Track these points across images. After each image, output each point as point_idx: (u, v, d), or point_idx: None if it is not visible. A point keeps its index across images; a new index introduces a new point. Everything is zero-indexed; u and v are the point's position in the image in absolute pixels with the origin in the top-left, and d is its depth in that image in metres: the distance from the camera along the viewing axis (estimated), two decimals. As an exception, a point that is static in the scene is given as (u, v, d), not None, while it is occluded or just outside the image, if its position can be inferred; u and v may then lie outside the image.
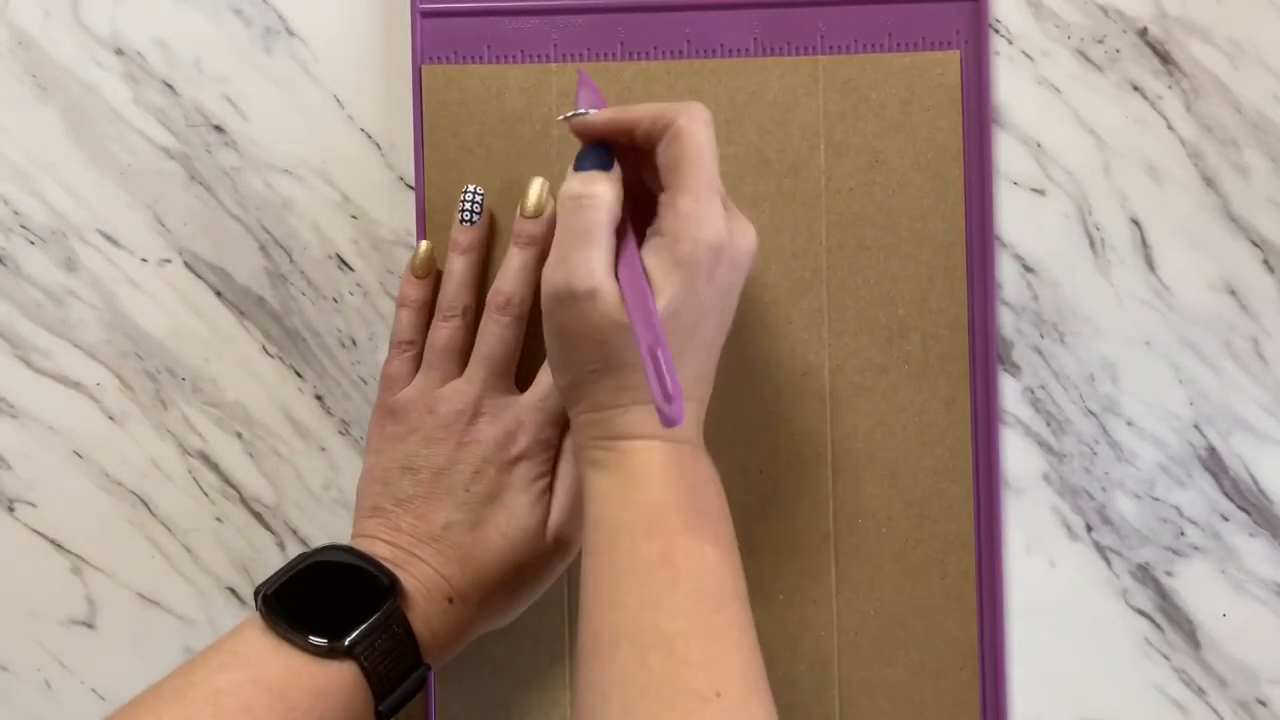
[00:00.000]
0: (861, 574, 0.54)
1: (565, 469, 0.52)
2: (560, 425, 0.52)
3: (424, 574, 0.49)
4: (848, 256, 0.54)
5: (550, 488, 0.52)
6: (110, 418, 0.57)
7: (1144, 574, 0.57)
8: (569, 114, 0.47)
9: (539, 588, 0.52)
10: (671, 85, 0.54)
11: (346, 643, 0.45)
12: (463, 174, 0.54)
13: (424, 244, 0.53)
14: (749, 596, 0.44)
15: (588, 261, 0.44)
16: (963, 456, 0.54)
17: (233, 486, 0.57)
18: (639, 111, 0.46)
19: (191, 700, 0.42)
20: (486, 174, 0.54)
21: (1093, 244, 0.56)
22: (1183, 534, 0.56)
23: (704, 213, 0.44)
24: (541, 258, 0.48)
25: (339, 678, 0.45)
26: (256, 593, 0.46)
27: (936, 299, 0.54)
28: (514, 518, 0.50)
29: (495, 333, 0.51)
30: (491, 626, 0.51)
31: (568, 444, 0.52)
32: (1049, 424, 0.56)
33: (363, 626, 0.45)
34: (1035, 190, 0.56)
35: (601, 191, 0.45)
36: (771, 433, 0.54)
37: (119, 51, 0.57)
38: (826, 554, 0.54)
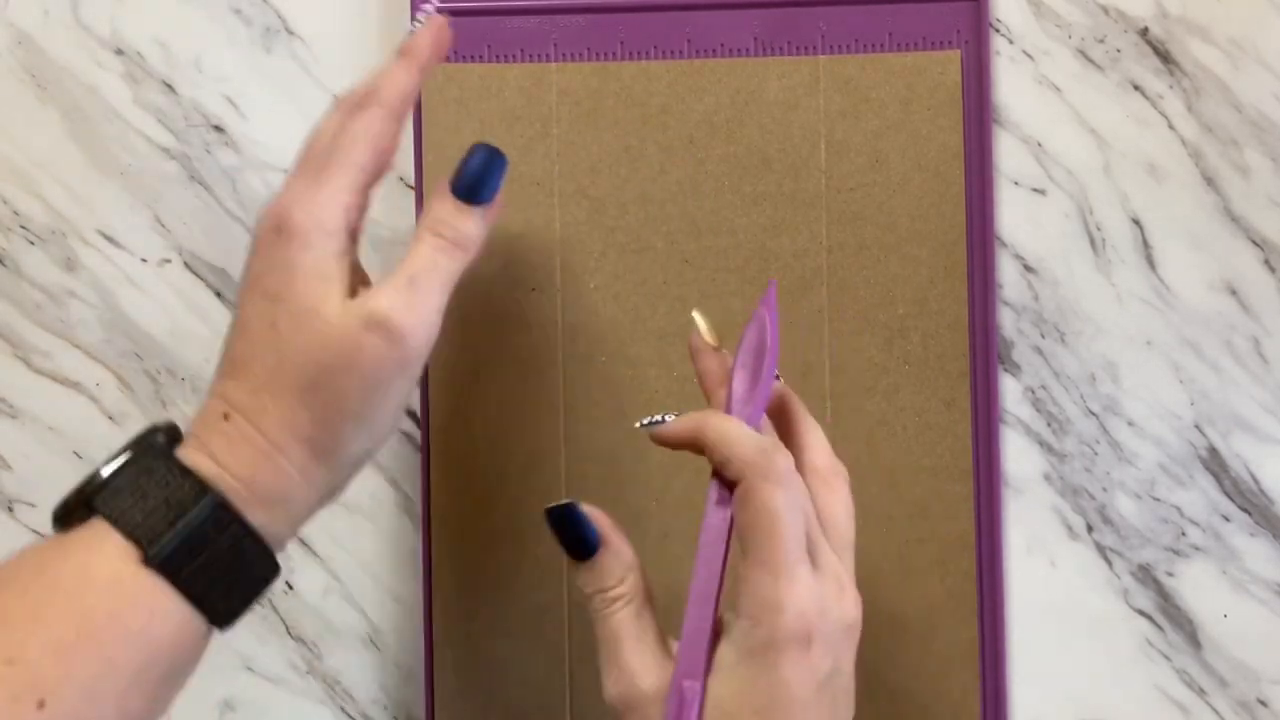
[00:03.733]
0: (861, 574, 0.54)
1: (425, 255, 0.41)
2: (360, 208, 0.42)
3: (205, 403, 0.40)
4: (848, 256, 0.54)
5: (354, 269, 0.42)
6: (110, 418, 0.57)
7: (1145, 574, 0.56)
8: (645, 421, 0.43)
9: (369, 389, 0.40)
10: (672, 84, 0.54)
11: (76, 493, 0.38)
12: None
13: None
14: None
15: (629, 668, 0.40)
16: (963, 456, 0.54)
17: (233, 486, 0.57)
18: (714, 438, 0.40)
19: None
20: None
21: (1093, 244, 0.56)
22: (1184, 534, 0.56)
23: (785, 592, 0.38)
24: None
25: (80, 540, 0.37)
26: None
27: (937, 299, 0.54)
28: (282, 302, 0.40)
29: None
30: (330, 455, 0.40)
31: (425, 232, 0.42)
32: (1049, 424, 0.56)
33: (102, 470, 0.38)
34: (1036, 190, 0.56)
35: (628, 581, 0.41)
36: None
37: (119, 51, 0.57)
38: None
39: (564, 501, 0.41)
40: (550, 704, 0.54)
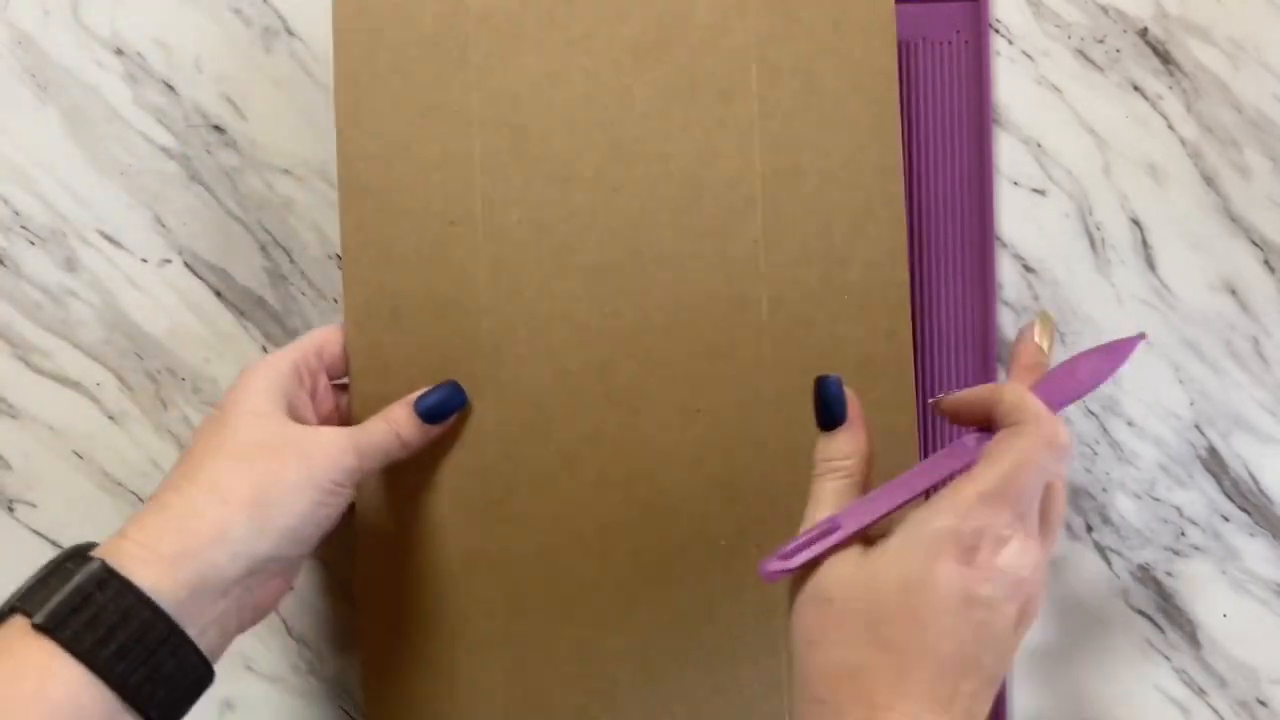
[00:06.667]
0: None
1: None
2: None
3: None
4: (783, 183, 0.52)
5: (326, 414, 0.51)
6: (110, 418, 0.57)
7: (1144, 574, 0.57)
8: (940, 396, 0.46)
9: (286, 481, 0.45)
10: (596, 7, 0.51)
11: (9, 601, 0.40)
12: (378, 102, 0.52)
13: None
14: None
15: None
16: (905, 390, 0.52)
17: (233, 486, 0.57)
18: (1011, 399, 0.42)
19: None
20: (403, 101, 0.52)
21: (1093, 244, 0.56)
22: (1183, 534, 0.56)
23: (973, 504, 0.39)
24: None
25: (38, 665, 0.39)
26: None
27: (875, 226, 0.52)
28: (231, 407, 0.46)
29: None
30: (233, 507, 0.43)
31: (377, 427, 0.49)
32: (1049, 424, 0.56)
33: (25, 586, 0.41)
34: (1035, 190, 0.56)
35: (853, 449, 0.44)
36: (710, 369, 0.52)
37: (119, 51, 0.57)
38: (770, 496, 0.52)
39: (834, 376, 0.45)
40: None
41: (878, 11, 0.52)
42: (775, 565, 0.41)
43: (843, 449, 0.44)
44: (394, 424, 0.49)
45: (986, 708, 0.39)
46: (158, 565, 0.41)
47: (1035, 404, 0.41)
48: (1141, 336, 0.45)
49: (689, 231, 0.52)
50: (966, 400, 0.44)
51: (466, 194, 0.52)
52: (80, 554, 0.42)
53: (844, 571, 0.40)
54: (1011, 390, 0.42)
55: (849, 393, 0.45)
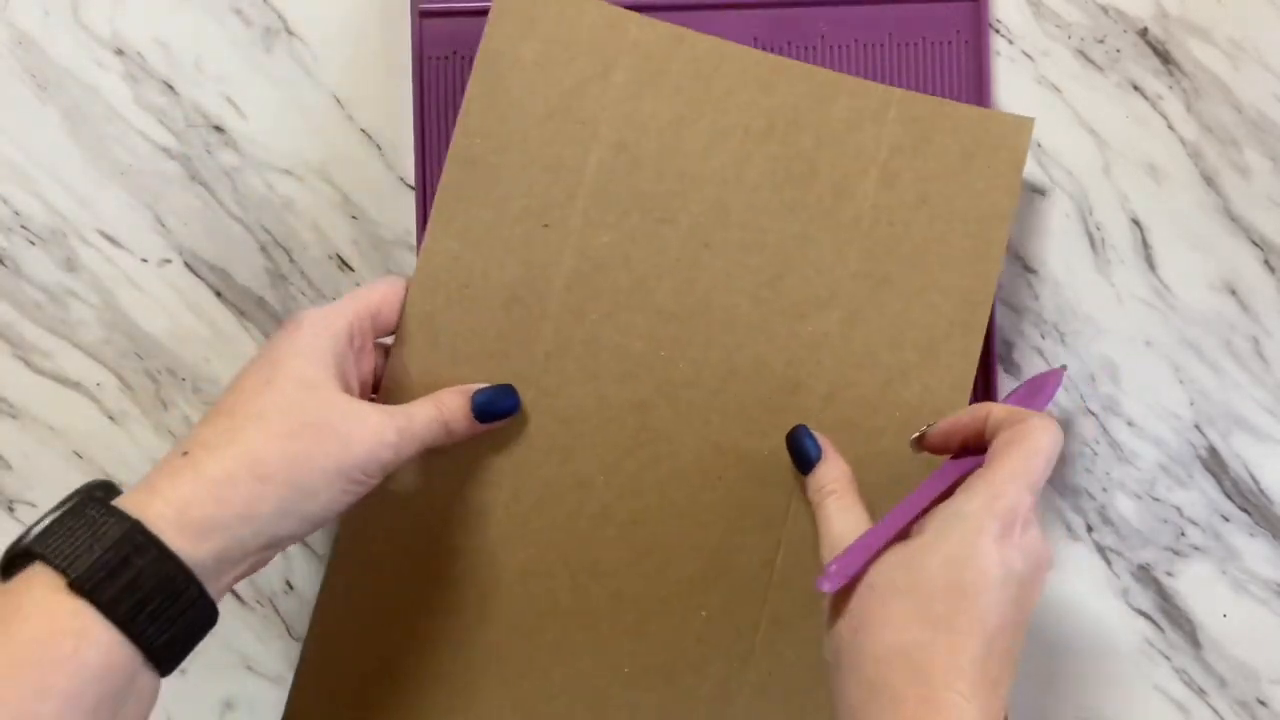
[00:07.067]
0: None
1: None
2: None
3: (171, 451, 0.43)
4: (869, 287, 0.52)
5: (365, 384, 0.49)
6: (110, 418, 0.57)
7: (1144, 574, 0.56)
8: (918, 434, 0.50)
9: (328, 465, 0.44)
10: (744, 70, 0.52)
11: (21, 543, 0.39)
12: (513, 86, 0.51)
13: None
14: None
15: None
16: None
17: (233, 486, 0.57)
18: (1001, 413, 0.45)
19: None
20: (536, 94, 0.51)
21: (1093, 244, 0.56)
22: (1183, 534, 0.56)
23: (1010, 485, 0.41)
24: None
25: (17, 581, 0.39)
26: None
27: (949, 354, 0.52)
28: (281, 367, 0.44)
29: None
30: (269, 484, 0.42)
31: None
32: (1049, 424, 0.56)
33: (45, 518, 0.40)
34: (1036, 190, 0.56)
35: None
36: (744, 442, 0.52)
37: (119, 51, 0.57)
38: (761, 585, 0.52)
39: (799, 425, 0.50)
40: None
41: (1010, 156, 0.52)
42: (834, 577, 0.42)
43: (830, 475, 0.48)
44: (445, 412, 0.48)
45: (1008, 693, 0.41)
46: (188, 532, 0.40)
47: (1025, 410, 0.44)
48: (1063, 369, 0.51)
49: (764, 305, 0.52)
50: (954, 424, 0.47)
51: (567, 203, 0.51)
52: (100, 500, 0.40)
53: (883, 561, 0.42)
54: (998, 406, 0.45)
55: (818, 435, 0.50)
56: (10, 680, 0.37)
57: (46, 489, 0.57)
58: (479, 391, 0.49)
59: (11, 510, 0.57)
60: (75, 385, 0.57)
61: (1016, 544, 0.41)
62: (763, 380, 0.52)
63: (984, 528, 0.40)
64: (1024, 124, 0.52)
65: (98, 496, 0.41)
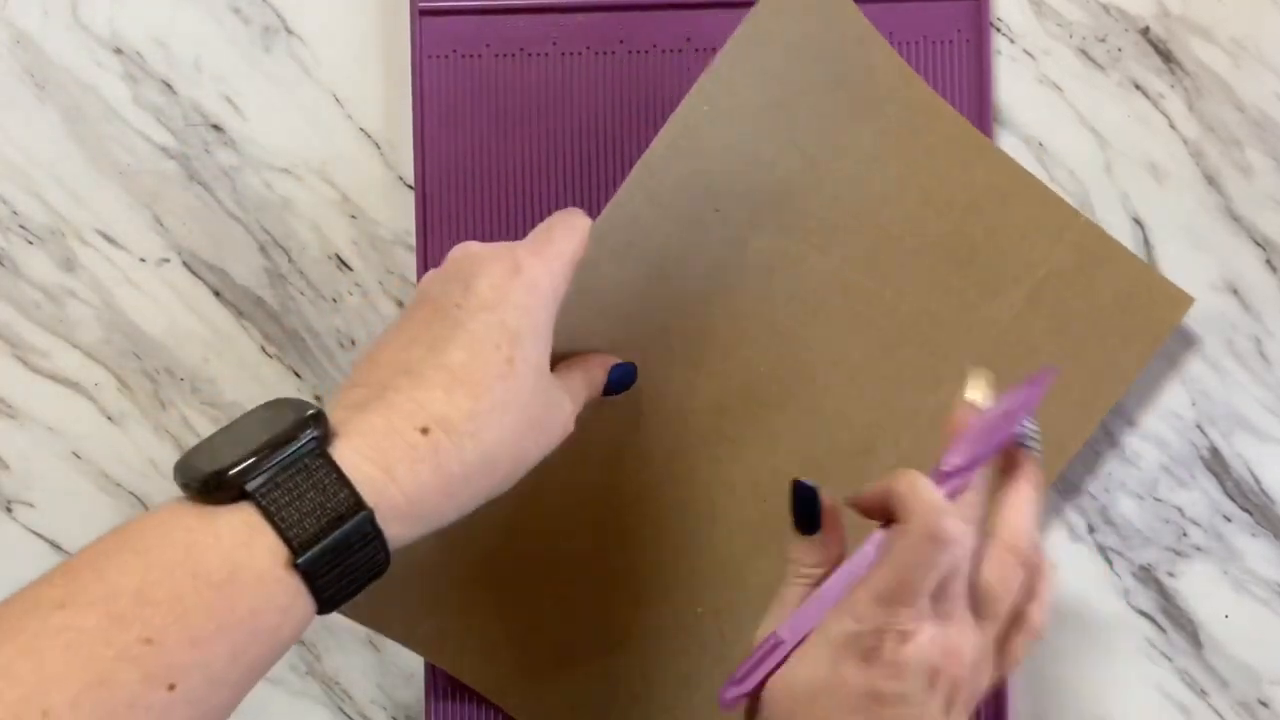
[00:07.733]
0: None
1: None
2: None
3: (392, 402, 0.40)
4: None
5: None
6: (109, 418, 0.57)
7: (1146, 575, 0.56)
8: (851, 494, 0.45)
9: (535, 457, 0.43)
10: (951, 140, 0.52)
11: (231, 472, 0.37)
12: (742, 87, 0.50)
13: None
14: None
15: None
16: None
17: (232, 487, 0.57)
18: (902, 489, 0.42)
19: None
20: (761, 111, 0.50)
21: (1094, 243, 0.56)
22: (1185, 535, 0.56)
23: (862, 607, 0.40)
24: None
25: (230, 527, 0.37)
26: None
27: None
28: (520, 346, 0.42)
29: None
30: (492, 481, 0.42)
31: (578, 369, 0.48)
32: (1050, 424, 0.56)
33: (254, 457, 0.37)
34: (1036, 190, 0.56)
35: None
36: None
37: (118, 51, 0.57)
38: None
39: (813, 484, 0.44)
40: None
41: (1156, 327, 0.53)
42: (731, 692, 0.42)
43: (815, 557, 0.44)
44: (594, 390, 0.48)
45: None
46: (409, 519, 0.39)
47: (921, 495, 0.41)
48: (1055, 370, 0.46)
49: (871, 364, 0.52)
50: (869, 497, 0.43)
51: (744, 196, 0.51)
52: (326, 459, 0.38)
53: (775, 681, 0.42)
54: (901, 481, 0.41)
55: (828, 502, 0.44)
56: (214, 644, 0.36)
57: (45, 489, 0.57)
58: (615, 367, 0.49)
59: (10, 511, 0.57)
60: (74, 385, 0.57)
61: (888, 664, 0.39)
62: (839, 430, 0.52)
63: (845, 656, 0.40)
64: (1183, 299, 0.53)
65: (315, 448, 0.38)
